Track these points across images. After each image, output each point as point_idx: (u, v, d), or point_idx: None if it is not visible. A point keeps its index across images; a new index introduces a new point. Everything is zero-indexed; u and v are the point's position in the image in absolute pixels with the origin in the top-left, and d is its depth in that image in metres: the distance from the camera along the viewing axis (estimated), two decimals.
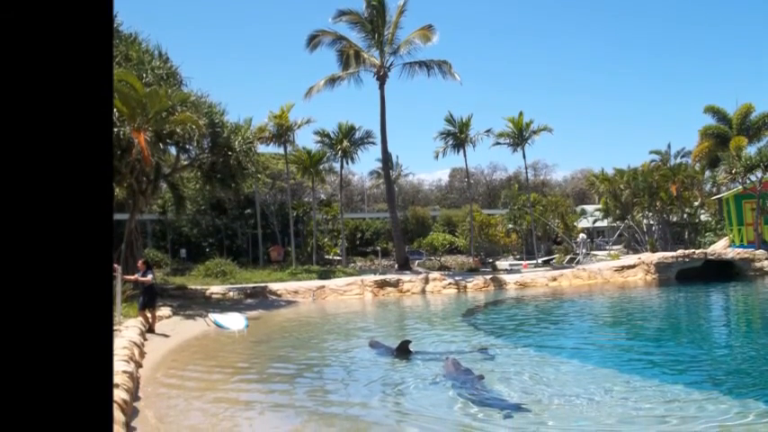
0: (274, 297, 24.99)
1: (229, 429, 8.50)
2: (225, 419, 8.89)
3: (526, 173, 46.19)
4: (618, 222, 47.66)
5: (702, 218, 46.52)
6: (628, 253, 39.75)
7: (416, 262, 38.90)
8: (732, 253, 28.42)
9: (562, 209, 46.89)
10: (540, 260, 39.56)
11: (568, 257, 38.21)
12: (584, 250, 40.54)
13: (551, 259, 39.83)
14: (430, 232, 47.43)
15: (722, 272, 26.39)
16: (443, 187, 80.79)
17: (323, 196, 50.82)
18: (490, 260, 39.69)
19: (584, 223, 53.83)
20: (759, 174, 30.77)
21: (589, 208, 55.31)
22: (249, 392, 10.89)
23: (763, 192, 30.86)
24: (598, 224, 53.15)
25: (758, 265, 26.62)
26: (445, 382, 10.82)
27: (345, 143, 36.77)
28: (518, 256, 40.99)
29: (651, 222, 45.39)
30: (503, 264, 39.28)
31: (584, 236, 45.11)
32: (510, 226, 45.66)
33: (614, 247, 46.46)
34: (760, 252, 27.39)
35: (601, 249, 44.74)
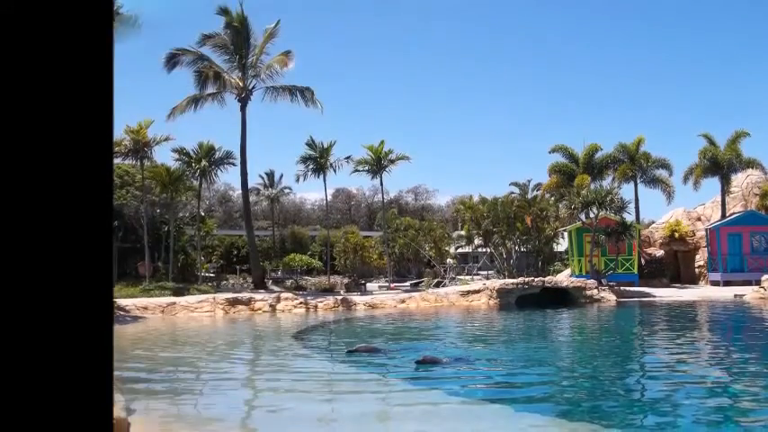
0: (122, 313, 24.43)
1: None
2: None
3: (383, 198, 46.35)
4: (486, 249, 48.79)
5: (559, 248, 48.67)
6: (498, 278, 40.19)
7: (289, 281, 39.41)
8: (567, 281, 30.84)
9: (435, 234, 47.54)
10: (409, 283, 40.28)
11: (435, 281, 38.58)
12: (451, 275, 41.74)
13: (420, 282, 40.18)
14: (308, 251, 48.53)
15: (559, 298, 27.87)
16: (327, 207, 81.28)
17: (202, 213, 49.65)
18: (363, 281, 40.09)
19: (459, 249, 55.03)
20: (595, 210, 33.37)
21: (462, 233, 56.03)
22: None
23: (598, 226, 33.28)
24: (462, 250, 53.95)
25: (588, 293, 28.65)
26: None
27: (204, 162, 36.26)
28: (389, 279, 41.29)
29: (516, 249, 46.97)
30: (373, 286, 39.87)
31: (452, 261, 47.29)
32: (381, 249, 46.11)
33: (481, 272, 47.18)
34: (591, 281, 29.83)
35: (470, 274, 45.62)
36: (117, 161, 35.70)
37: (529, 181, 48.10)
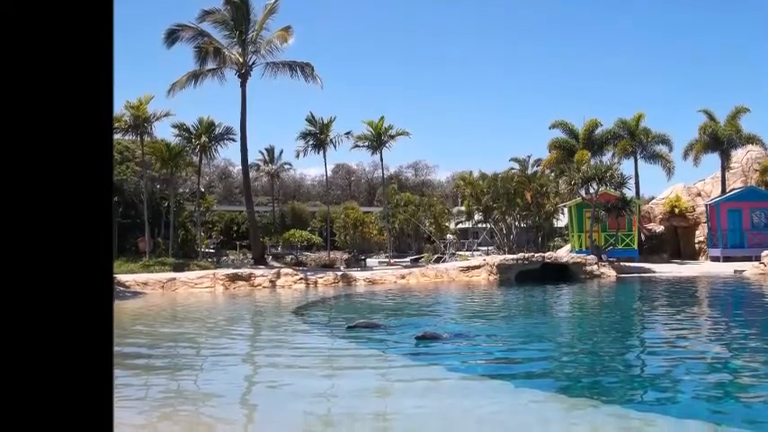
0: (122, 288, 24.39)
1: None
2: None
3: (383, 174, 46.49)
4: (486, 225, 49.11)
5: (559, 224, 48.83)
6: (498, 253, 40.41)
7: (289, 257, 40.20)
8: (567, 257, 30.79)
9: (435, 209, 47.89)
10: (409, 259, 40.39)
11: (435, 257, 38.87)
12: (451, 250, 42.28)
13: (420, 258, 40.41)
14: (308, 227, 48.91)
15: (559, 274, 27.84)
16: (326, 183, 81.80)
17: (202, 188, 49.53)
18: (363, 257, 40.40)
19: (459, 224, 55.34)
20: (595, 185, 33.38)
21: (462, 209, 56.33)
22: None
23: (598, 202, 33.24)
24: (462, 226, 54.34)
25: (588, 268, 28.65)
26: None
27: (204, 138, 36.38)
28: (389, 255, 41.58)
29: (516, 225, 47.35)
30: (373, 261, 39.98)
31: (452, 237, 47.74)
32: (381, 225, 46.18)
33: (481, 248, 47.73)
34: (591, 257, 29.80)
35: (470, 250, 45.85)
36: (117, 137, 35.75)
37: (529, 156, 48.31)
